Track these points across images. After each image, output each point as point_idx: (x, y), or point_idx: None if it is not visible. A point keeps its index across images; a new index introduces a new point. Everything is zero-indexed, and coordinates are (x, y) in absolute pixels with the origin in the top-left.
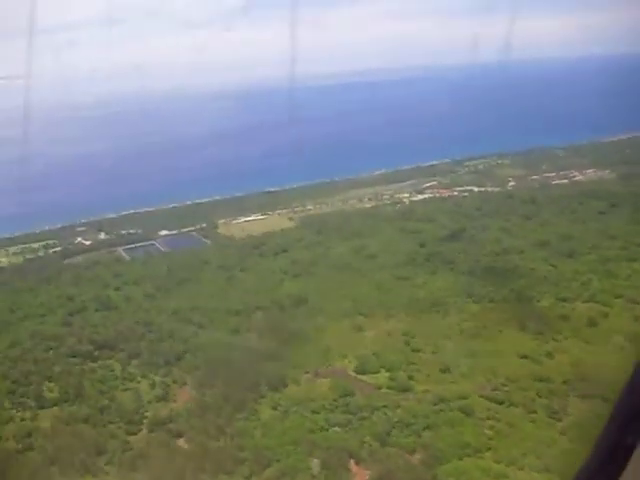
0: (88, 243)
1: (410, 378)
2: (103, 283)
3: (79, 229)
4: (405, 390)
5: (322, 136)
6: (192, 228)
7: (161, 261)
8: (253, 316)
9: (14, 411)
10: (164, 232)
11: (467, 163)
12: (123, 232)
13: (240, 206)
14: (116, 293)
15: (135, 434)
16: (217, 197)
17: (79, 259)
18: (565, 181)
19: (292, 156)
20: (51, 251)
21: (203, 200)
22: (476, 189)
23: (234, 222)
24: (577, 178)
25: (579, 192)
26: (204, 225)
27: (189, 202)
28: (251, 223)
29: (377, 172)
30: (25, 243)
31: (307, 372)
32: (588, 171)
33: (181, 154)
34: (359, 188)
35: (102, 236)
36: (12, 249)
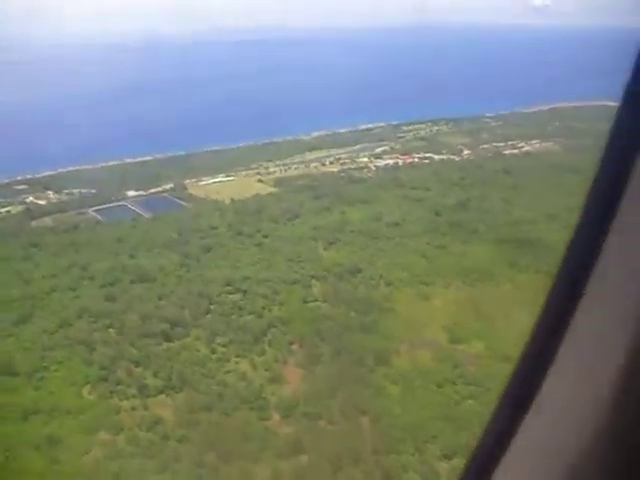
0: (43, 203)
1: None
2: (109, 250)
3: (18, 187)
4: (506, 359)
5: (240, 94)
6: (159, 189)
7: (155, 225)
8: (313, 285)
9: (116, 400)
10: (132, 192)
11: (405, 128)
12: (75, 191)
13: (190, 165)
14: (139, 261)
15: (268, 419)
16: (158, 155)
17: (47, 221)
18: (515, 151)
19: (220, 114)
20: (3, 211)
21: (145, 158)
22: (436, 157)
23: (202, 183)
24: (525, 149)
25: (547, 164)
26: (169, 186)
27: (128, 160)
28: (221, 185)
29: (315, 134)
30: None
31: (401, 343)
32: (533, 142)
33: (102, 108)
34: (307, 150)
35: (52, 195)
36: None
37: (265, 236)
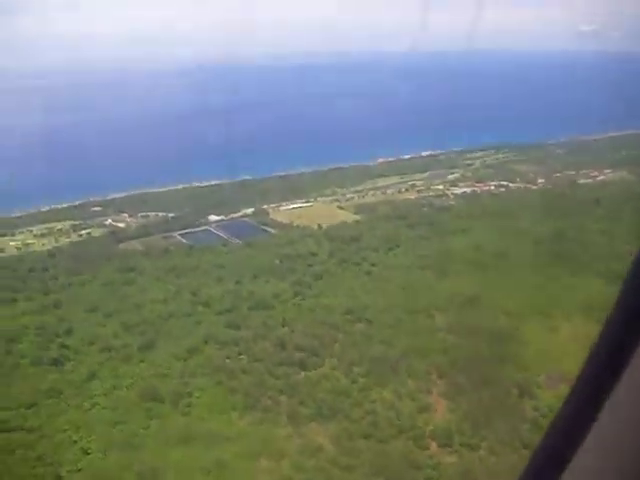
0: (122, 225)
1: None
2: (213, 275)
3: (93, 209)
4: None
5: (299, 120)
6: (240, 214)
7: (250, 251)
8: (435, 315)
9: (269, 427)
10: (214, 217)
11: (469, 155)
12: (151, 214)
13: (261, 190)
14: (249, 288)
15: (427, 448)
16: (225, 180)
17: (135, 244)
18: (590, 180)
19: (281, 138)
20: (84, 232)
21: (212, 182)
22: (512, 185)
23: (282, 209)
24: (600, 178)
25: (629, 194)
26: (249, 211)
27: (196, 184)
28: (301, 210)
29: (379, 160)
30: (44, 222)
31: (540, 375)
32: (606, 171)
33: (158, 133)
34: (376, 177)
35: (128, 218)
36: (35, 229)
37: (373, 264)
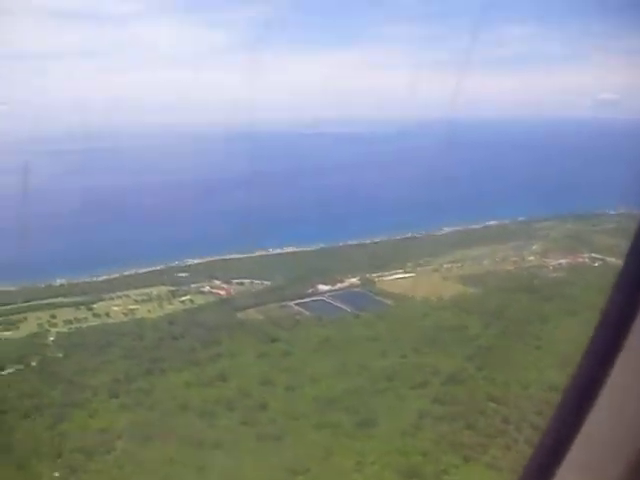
0: (223, 293)
1: None
2: (367, 348)
3: (180, 274)
4: None
5: (347, 189)
6: (346, 284)
7: (385, 323)
8: None
9: None
10: (323, 287)
11: (536, 225)
12: (245, 282)
13: (347, 259)
14: (420, 360)
15: None
16: (291, 248)
17: (253, 313)
18: None
19: (343, 207)
20: (184, 299)
21: (288, 249)
22: (608, 259)
23: (385, 278)
24: None
25: None
26: (354, 280)
27: (274, 250)
28: (405, 281)
29: (445, 229)
30: (135, 288)
31: None
32: None
33: (209, 198)
34: (460, 247)
35: (223, 285)
36: (131, 294)
37: (537, 338)
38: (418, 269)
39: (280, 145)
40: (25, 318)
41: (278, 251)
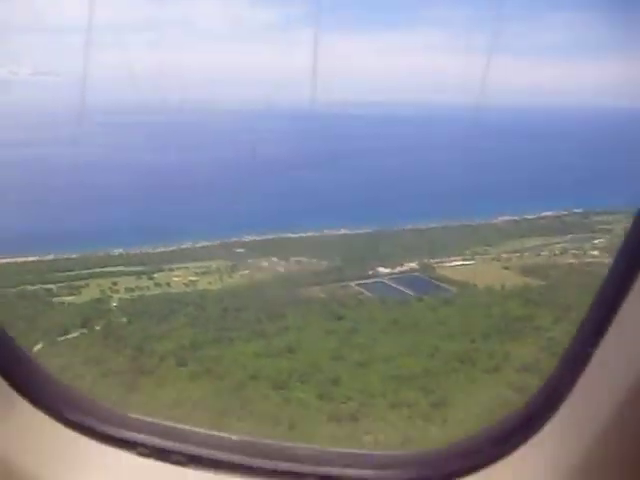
0: (282, 270)
1: None
2: (437, 332)
3: (238, 250)
4: None
5: (400, 172)
6: (405, 268)
7: (449, 309)
8: None
9: None
10: (382, 269)
11: (595, 218)
12: (303, 260)
13: (405, 243)
14: (495, 348)
15: None
16: (344, 230)
17: (315, 291)
18: None
19: (392, 191)
20: (244, 274)
21: (341, 232)
22: None
23: (445, 265)
24: None
25: None
26: (413, 265)
27: (327, 231)
28: (465, 268)
29: (501, 219)
30: (193, 260)
31: None
32: None
33: (263, 177)
34: (518, 237)
35: (282, 262)
36: (190, 267)
37: None
38: (477, 257)
39: (332, 126)
40: (87, 284)
41: (332, 232)
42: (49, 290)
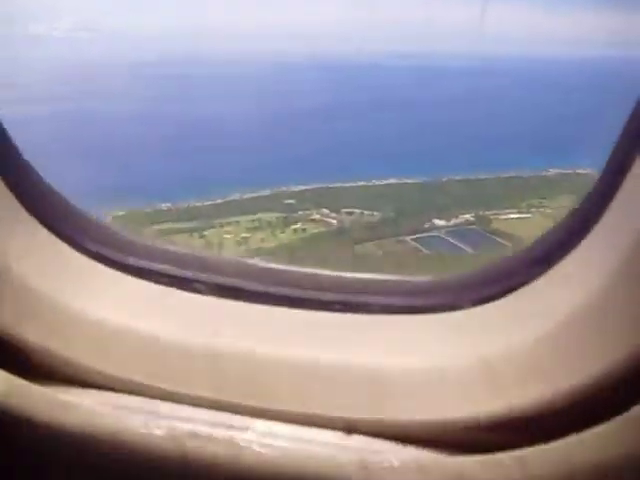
0: (334, 222)
1: None
2: None
3: (287, 201)
4: None
5: (444, 123)
6: (460, 220)
7: None
8: None
9: None
10: (438, 222)
11: None
12: (356, 211)
13: (457, 194)
14: None
15: None
16: (392, 180)
17: (370, 247)
18: None
19: (439, 142)
20: (297, 227)
21: (389, 181)
22: None
23: (501, 217)
24: None
25: None
26: (467, 217)
27: (379, 182)
28: (521, 222)
29: (552, 171)
30: (243, 214)
31: None
32: None
33: (306, 127)
34: (571, 192)
35: (332, 214)
36: (241, 220)
37: None
38: (533, 210)
39: (372, 77)
40: None
41: (381, 182)
42: None
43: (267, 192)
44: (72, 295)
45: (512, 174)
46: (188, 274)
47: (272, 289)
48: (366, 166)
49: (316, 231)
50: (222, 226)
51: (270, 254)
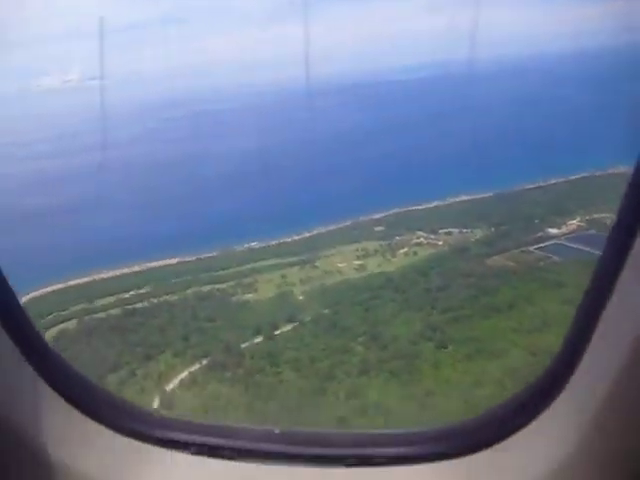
0: (441, 243)
1: None
2: None
3: (377, 228)
4: None
5: (495, 131)
6: (572, 227)
7: None
8: None
9: None
10: (552, 230)
11: None
12: (454, 231)
13: (534, 202)
14: None
15: None
16: (464, 196)
17: (499, 260)
18: None
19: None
20: (401, 252)
21: (459, 198)
22: None
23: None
24: None
25: None
26: (578, 223)
27: (450, 200)
28: None
29: (611, 170)
30: (343, 244)
31: None
32: None
33: (354, 151)
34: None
35: (432, 236)
36: (347, 251)
37: None
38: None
39: (399, 91)
40: (255, 280)
41: (453, 200)
42: (222, 290)
43: (347, 223)
44: (112, 474)
45: (579, 175)
46: (218, 442)
47: (292, 450)
48: (432, 183)
49: (427, 253)
50: (327, 257)
51: (401, 276)
